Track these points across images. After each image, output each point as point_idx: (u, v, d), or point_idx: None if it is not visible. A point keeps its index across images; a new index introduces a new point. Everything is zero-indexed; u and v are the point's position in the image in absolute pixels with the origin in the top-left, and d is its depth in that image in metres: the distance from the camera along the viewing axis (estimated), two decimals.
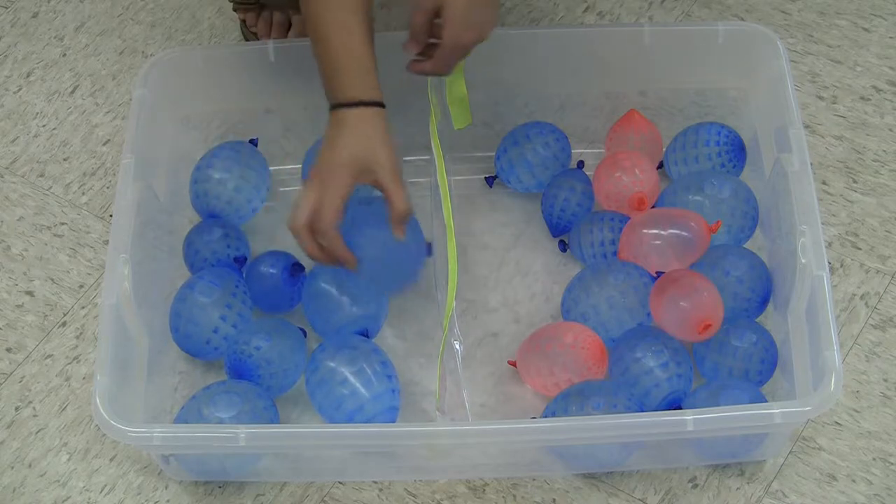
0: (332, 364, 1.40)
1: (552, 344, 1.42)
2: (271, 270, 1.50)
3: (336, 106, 1.36)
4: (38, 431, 1.49)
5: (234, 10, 1.78)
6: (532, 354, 1.43)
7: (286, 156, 1.67)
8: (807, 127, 1.67)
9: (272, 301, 1.51)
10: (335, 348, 1.41)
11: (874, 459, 1.43)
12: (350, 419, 1.38)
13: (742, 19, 1.79)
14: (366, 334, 1.45)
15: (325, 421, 1.41)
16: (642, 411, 1.37)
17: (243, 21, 1.78)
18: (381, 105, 1.36)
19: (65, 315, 1.58)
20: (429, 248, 1.45)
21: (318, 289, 1.47)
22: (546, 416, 1.38)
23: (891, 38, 1.77)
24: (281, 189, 1.64)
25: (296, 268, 1.50)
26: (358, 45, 1.35)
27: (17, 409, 1.51)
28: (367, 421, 1.38)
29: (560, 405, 1.37)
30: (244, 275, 1.52)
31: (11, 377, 1.53)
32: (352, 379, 1.39)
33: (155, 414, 1.46)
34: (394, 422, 1.40)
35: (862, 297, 1.54)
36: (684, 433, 1.30)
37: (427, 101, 1.49)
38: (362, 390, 1.38)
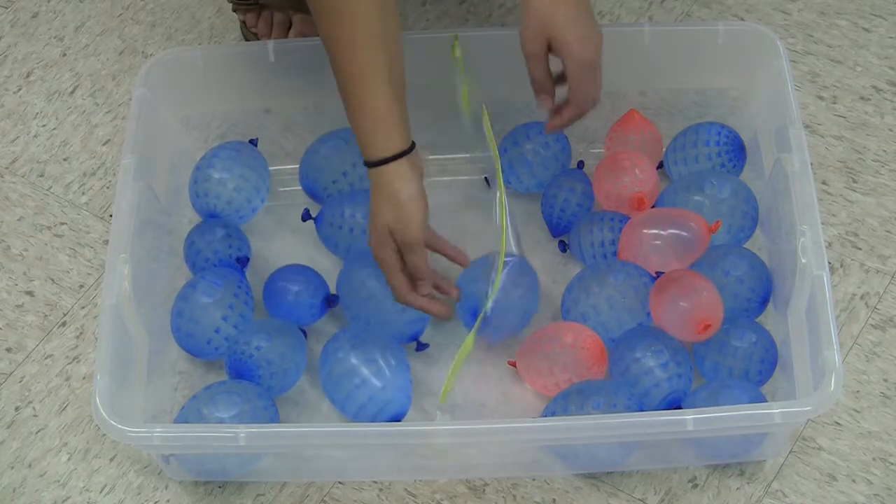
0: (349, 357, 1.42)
1: (552, 344, 1.42)
2: (306, 298, 1.49)
3: (367, 164, 1.36)
4: (38, 431, 1.49)
5: (234, 10, 1.78)
6: (532, 354, 1.44)
7: (286, 156, 1.67)
8: (807, 127, 1.67)
9: (294, 317, 1.50)
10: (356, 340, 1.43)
11: (874, 459, 1.43)
12: (363, 410, 1.40)
13: (742, 19, 1.79)
14: (417, 340, 1.49)
15: (338, 409, 1.42)
16: (642, 411, 1.37)
17: (243, 21, 1.78)
18: (409, 151, 1.36)
19: (65, 315, 1.58)
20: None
21: (360, 287, 1.48)
22: (546, 416, 1.39)
23: (891, 38, 1.77)
24: (281, 189, 1.64)
25: (331, 300, 1.50)
26: (381, 95, 1.33)
27: (17, 409, 1.51)
28: (381, 409, 1.40)
29: (560, 405, 1.37)
30: (263, 288, 1.51)
31: (11, 377, 1.53)
32: (365, 370, 1.40)
33: (155, 414, 1.46)
34: (405, 412, 1.41)
35: (862, 297, 1.54)
36: (684, 433, 1.30)
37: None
38: (375, 380, 1.40)
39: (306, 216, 1.54)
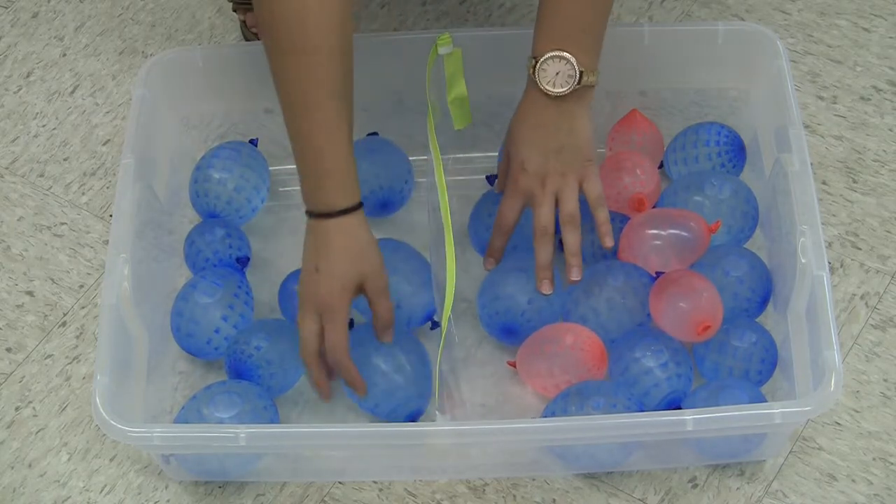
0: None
1: (552, 345, 1.42)
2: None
3: (315, 215, 1.34)
4: (38, 431, 1.49)
5: (234, 10, 1.79)
6: (532, 356, 1.43)
7: (286, 156, 1.65)
8: (807, 127, 1.67)
9: None
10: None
11: (874, 459, 1.43)
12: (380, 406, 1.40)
13: (742, 19, 1.79)
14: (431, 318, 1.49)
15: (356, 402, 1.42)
16: (642, 411, 1.37)
17: (243, 21, 1.78)
18: (359, 206, 1.35)
19: (65, 315, 1.58)
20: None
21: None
22: (546, 416, 1.39)
23: (891, 38, 1.77)
24: (281, 189, 1.64)
25: (351, 323, 1.50)
26: (336, 141, 1.32)
27: (17, 409, 1.51)
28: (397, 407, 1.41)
29: (560, 405, 1.37)
30: (279, 290, 1.51)
31: (11, 377, 1.53)
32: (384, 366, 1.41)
33: (155, 414, 1.46)
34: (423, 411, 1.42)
35: (862, 297, 1.54)
36: (684, 433, 1.30)
37: (426, 101, 1.49)
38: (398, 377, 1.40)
39: None
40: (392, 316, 1.38)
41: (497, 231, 1.47)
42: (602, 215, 1.43)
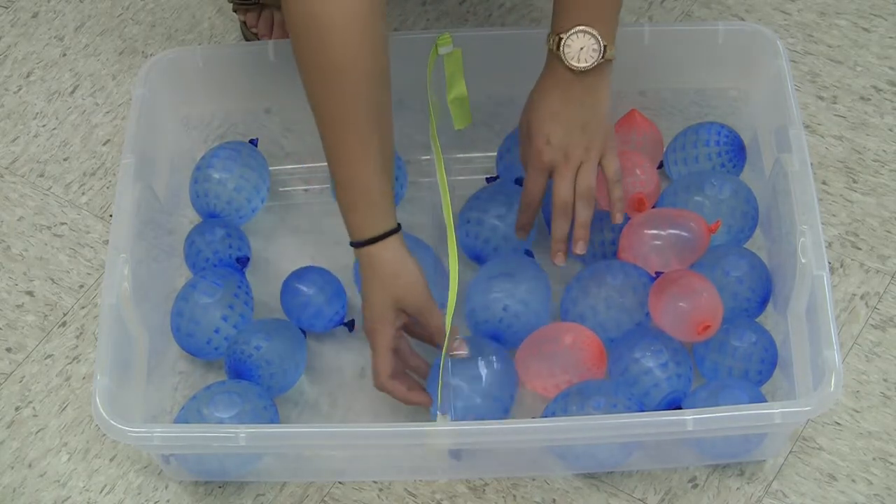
0: None
1: (551, 345, 1.42)
2: (328, 312, 1.49)
3: (352, 244, 1.36)
4: (38, 431, 1.49)
5: (234, 10, 1.78)
6: (531, 356, 1.43)
7: (286, 156, 1.67)
8: (807, 127, 1.67)
9: (308, 322, 1.50)
10: None
11: (874, 459, 1.43)
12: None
13: (742, 19, 1.79)
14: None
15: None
16: (642, 411, 1.37)
17: (243, 21, 1.78)
18: (397, 230, 1.35)
19: (65, 315, 1.58)
20: None
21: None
22: (546, 416, 1.38)
23: (891, 38, 1.77)
24: (281, 189, 1.64)
25: (352, 324, 1.50)
26: (371, 173, 1.32)
27: (17, 409, 1.51)
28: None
29: (560, 405, 1.37)
30: (281, 288, 1.51)
31: (11, 377, 1.53)
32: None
33: (155, 414, 1.46)
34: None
35: (862, 297, 1.54)
36: (684, 433, 1.30)
37: (427, 100, 1.49)
38: None
39: None
40: (441, 331, 1.37)
41: (524, 207, 1.47)
42: (617, 192, 1.44)
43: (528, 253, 1.50)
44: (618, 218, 1.44)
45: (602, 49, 1.38)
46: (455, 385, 1.39)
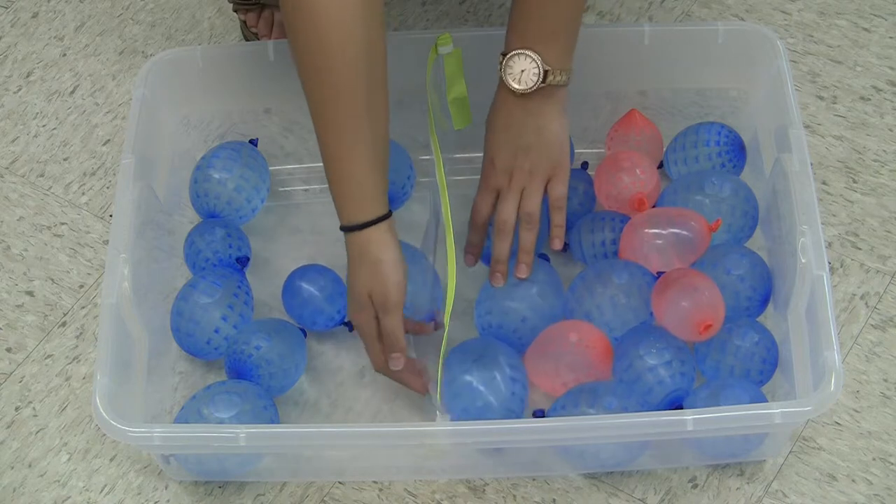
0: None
1: (557, 344, 1.42)
2: (330, 310, 1.49)
3: (343, 229, 1.35)
4: (38, 431, 1.49)
5: (235, 10, 1.78)
6: (538, 356, 1.43)
7: (286, 156, 1.67)
8: (807, 127, 1.67)
9: (310, 320, 1.50)
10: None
11: (874, 459, 1.43)
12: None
13: (742, 19, 1.79)
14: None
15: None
16: (645, 409, 1.37)
17: (244, 21, 1.78)
18: (386, 216, 1.35)
19: (65, 315, 1.58)
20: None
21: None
22: (550, 415, 1.39)
23: (891, 38, 1.77)
24: (281, 189, 1.64)
25: (351, 324, 1.50)
26: (362, 162, 1.32)
27: (17, 409, 1.51)
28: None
29: (561, 405, 1.37)
30: (283, 286, 1.51)
31: (11, 377, 1.53)
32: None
33: (155, 414, 1.46)
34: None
35: (862, 297, 1.54)
36: (684, 433, 1.30)
37: (427, 100, 1.49)
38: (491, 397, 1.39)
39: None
40: (398, 336, 1.36)
41: (472, 226, 1.48)
42: (558, 218, 1.45)
43: (543, 256, 1.50)
44: (556, 244, 1.46)
45: (542, 73, 1.38)
46: (473, 387, 1.39)
